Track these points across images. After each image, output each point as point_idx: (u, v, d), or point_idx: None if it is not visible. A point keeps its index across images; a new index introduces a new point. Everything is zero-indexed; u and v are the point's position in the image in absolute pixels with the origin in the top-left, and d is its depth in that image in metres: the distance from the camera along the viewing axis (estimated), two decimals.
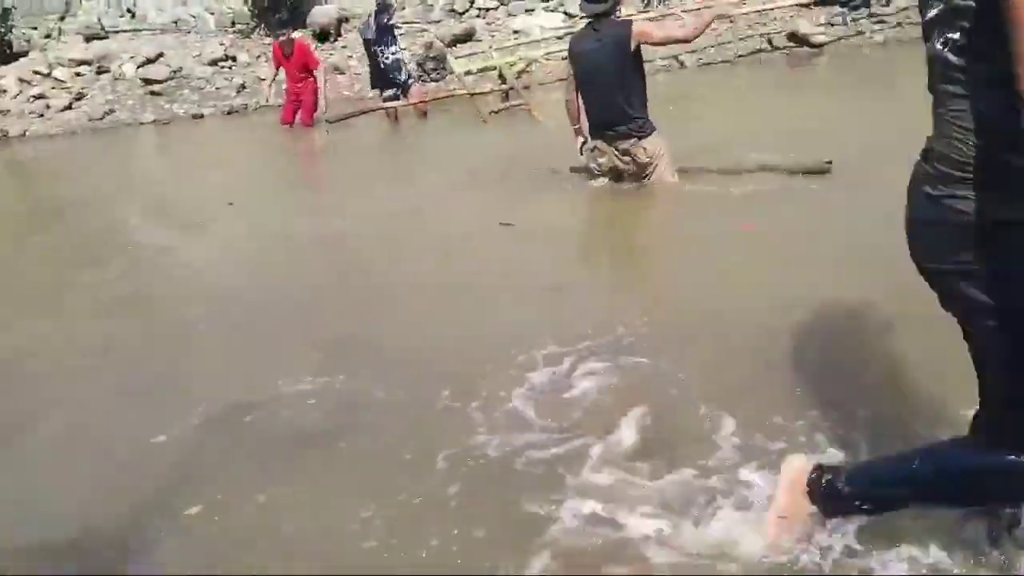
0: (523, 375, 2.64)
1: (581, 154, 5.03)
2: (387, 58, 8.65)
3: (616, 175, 4.87)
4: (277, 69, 9.52)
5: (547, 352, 2.79)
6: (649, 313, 3.16)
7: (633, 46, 4.52)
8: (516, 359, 2.75)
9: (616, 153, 4.75)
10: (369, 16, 8.81)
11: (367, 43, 8.74)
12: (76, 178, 8.77)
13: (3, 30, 15.31)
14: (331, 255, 4.53)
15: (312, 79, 9.15)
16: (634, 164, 4.76)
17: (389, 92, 8.78)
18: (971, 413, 1.47)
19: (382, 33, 8.58)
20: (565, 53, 10.41)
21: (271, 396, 2.72)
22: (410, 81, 8.98)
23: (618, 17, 4.84)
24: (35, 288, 4.44)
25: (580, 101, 4.86)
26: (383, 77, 8.73)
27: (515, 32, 12.11)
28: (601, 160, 4.82)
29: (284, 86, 9.43)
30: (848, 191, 4.47)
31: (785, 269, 3.44)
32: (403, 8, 12.92)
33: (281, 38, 9.18)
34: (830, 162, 4.62)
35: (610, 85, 4.60)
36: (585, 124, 4.93)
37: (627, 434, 2.20)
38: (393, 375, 2.77)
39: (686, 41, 4.65)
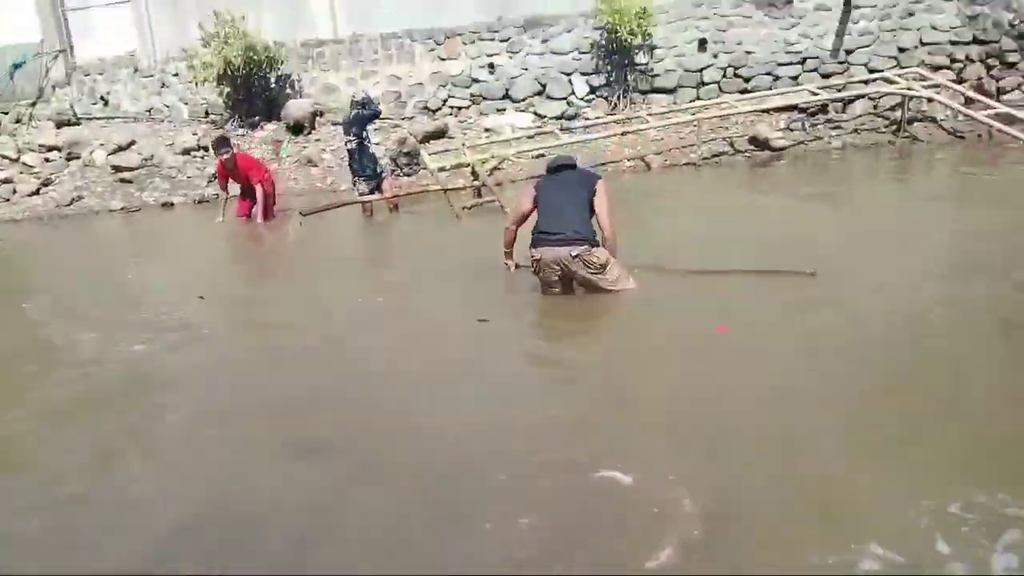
0: (525, 486, 2.56)
1: (508, 268, 5.48)
2: (369, 146, 8.88)
3: (566, 282, 4.90)
4: (225, 184, 9.46)
5: (546, 459, 2.74)
6: (642, 415, 3.17)
7: (592, 195, 4.91)
8: (515, 468, 2.69)
9: (566, 258, 4.78)
10: (353, 109, 8.94)
11: (349, 130, 8.84)
12: (39, 266, 8.64)
13: None
14: (306, 352, 4.47)
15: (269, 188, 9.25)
16: (585, 267, 4.79)
17: (364, 187, 8.85)
18: None
19: (364, 123, 8.75)
20: (535, 151, 10.74)
21: (243, 509, 2.63)
22: (383, 175, 9.10)
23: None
24: None
25: (534, 224, 5.05)
26: (368, 164, 8.82)
27: (487, 130, 12.41)
28: (553, 267, 4.85)
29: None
30: (822, 294, 4.58)
31: (770, 371, 3.49)
32: (377, 104, 13.17)
33: (224, 156, 9.08)
34: (813, 272, 4.75)
35: (570, 206, 4.90)
36: (516, 254, 5.37)
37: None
38: (380, 487, 2.70)
39: (603, 228, 4.92)
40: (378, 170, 8.98)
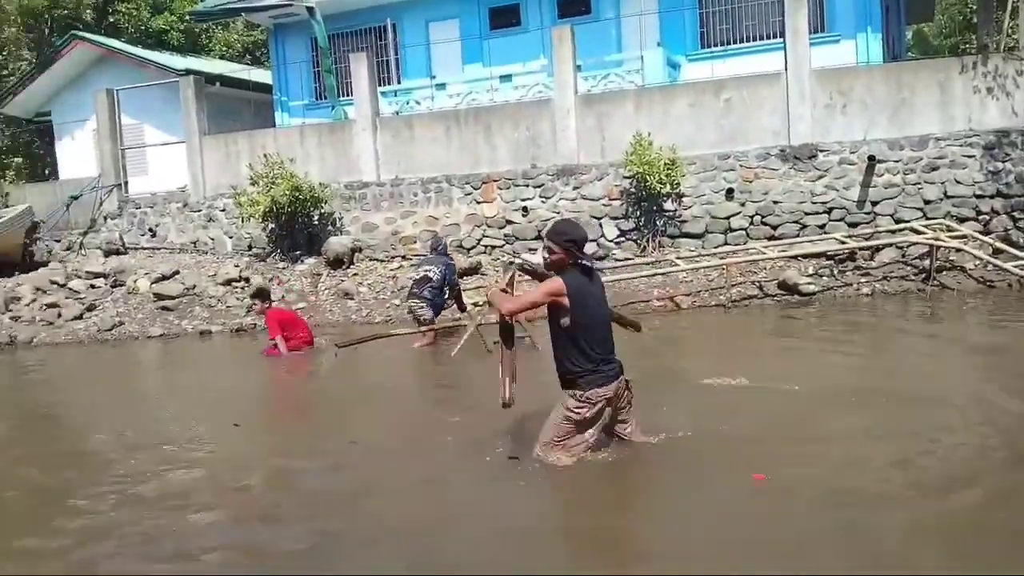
0: None
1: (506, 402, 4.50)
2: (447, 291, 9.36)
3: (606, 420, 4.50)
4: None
5: None
6: None
7: None
8: None
9: (622, 387, 4.41)
10: (433, 253, 9.69)
11: (432, 263, 9.38)
12: (77, 390, 8.77)
13: (28, 242, 16.07)
14: (333, 493, 4.45)
15: (299, 340, 9.30)
16: (628, 402, 4.49)
17: (429, 313, 9.09)
18: None
19: (446, 267, 9.31)
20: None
21: None
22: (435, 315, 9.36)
23: None
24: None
25: (578, 342, 4.33)
26: (439, 299, 9.28)
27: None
28: (611, 403, 4.38)
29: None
30: (859, 448, 4.51)
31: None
32: (414, 242, 13.65)
33: (256, 307, 9.57)
34: None
35: (610, 327, 4.51)
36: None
37: None
38: None
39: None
40: (440, 309, 9.35)
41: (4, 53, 22.77)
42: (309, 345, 9.41)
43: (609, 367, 4.35)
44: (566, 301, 4.21)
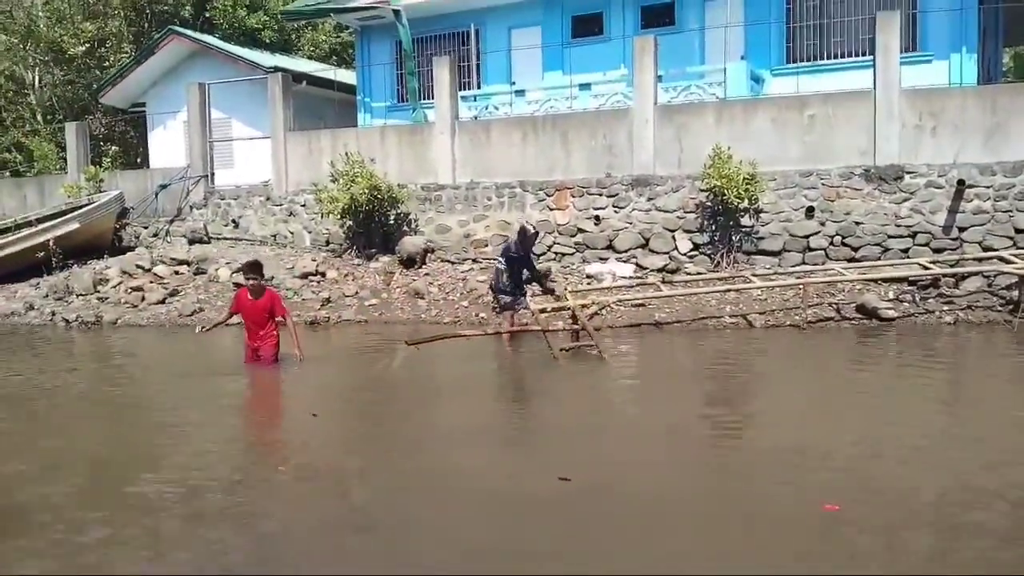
0: None
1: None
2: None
3: None
4: (231, 314, 8.92)
5: None
6: None
7: None
8: None
9: None
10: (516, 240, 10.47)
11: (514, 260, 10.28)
12: (158, 369, 9.12)
13: (118, 227, 16.78)
14: (396, 497, 4.50)
15: (274, 331, 8.74)
16: None
17: (508, 300, 10.17)
18: None
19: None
20: (635, 301, 10.92)
21: None
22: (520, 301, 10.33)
23: None
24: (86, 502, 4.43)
25: None
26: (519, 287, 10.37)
27: (588, 277, 12.69)
28: None
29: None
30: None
31: None
32: (485, 245, 13.77)
33: (251, 282, 8.54)
34: None
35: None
36: None
37: None
38: None
39: None
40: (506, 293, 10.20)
41: (108, 45, 23.85)
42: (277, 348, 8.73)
43: None
44: None
